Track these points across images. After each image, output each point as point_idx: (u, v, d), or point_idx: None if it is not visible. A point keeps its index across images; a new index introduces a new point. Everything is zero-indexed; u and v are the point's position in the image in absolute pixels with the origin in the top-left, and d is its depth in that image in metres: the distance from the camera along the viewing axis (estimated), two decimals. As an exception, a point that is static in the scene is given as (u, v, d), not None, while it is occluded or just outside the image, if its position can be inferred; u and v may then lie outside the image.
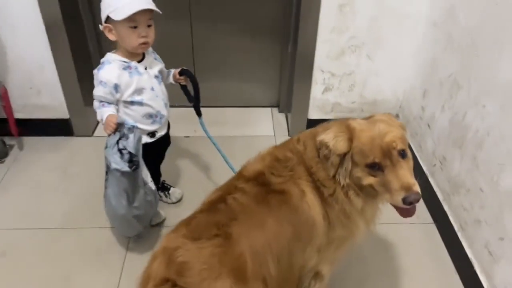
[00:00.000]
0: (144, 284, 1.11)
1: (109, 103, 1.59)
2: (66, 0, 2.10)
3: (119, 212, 1.64)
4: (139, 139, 1.56)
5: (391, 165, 1.18)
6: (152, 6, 1.51)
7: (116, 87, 1.56)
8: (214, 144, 1.88)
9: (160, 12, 1.54)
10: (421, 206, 2.05)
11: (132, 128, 1.54)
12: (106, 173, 1.62)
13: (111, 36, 1.55)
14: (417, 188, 1.17)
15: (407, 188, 1.16)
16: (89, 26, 2.34)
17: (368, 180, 1.22)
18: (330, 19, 2.11)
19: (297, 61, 2.27)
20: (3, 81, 2.19)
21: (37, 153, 2.32)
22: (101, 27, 1.55)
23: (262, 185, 1.28)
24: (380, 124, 1.24)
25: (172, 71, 1.77)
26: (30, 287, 1.67)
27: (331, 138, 1.24)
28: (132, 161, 1.52)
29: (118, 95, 1.59)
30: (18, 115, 2.31)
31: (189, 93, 1.82)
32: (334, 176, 1.26)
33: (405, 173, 1.19)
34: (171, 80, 1.78)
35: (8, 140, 2.35)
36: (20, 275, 1.71)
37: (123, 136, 1.53)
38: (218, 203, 1.24)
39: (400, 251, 1.83)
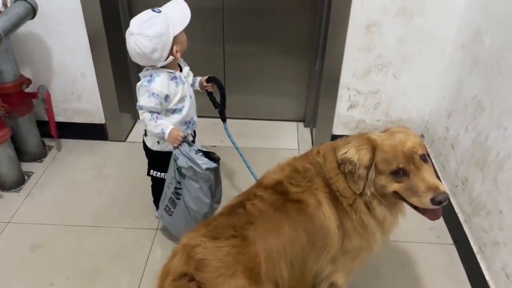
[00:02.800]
0: (163, 278, 1.19)
1: (158, 113, 1.64)
2: (108, 12, 2.24)
3: (202, 211, 1.70)
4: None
5: (415, 169, 1.24)
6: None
7: (167, 97, 1.63)
8: (237, 149, 1.95)
9: None
10: (442, 227, 2.05)
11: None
12: (179, 183, 1.67)
13: (176, 52, 1.61)
14: (443, 187, 1.22)
15: (434, 189, 1.21)
16: (129, 37, 2.48)
17: (393, 186, 1.27)
18: (357, 38, 2.17)
19: (323, 78, 2.33)
20: (47, 85, 2.34)
21: (74, 154, 2.46)
22: (174, 49, 1.59)
23: (280, 193, 1.34)
24: (398, 134, 1.31)
25: (199, 78, 1.84)
26: (61, 277, 1.78)
27: (354, 152, 1.28)
28: (212, 158, 1.64)
29: (165, 104, 1.65)
30: (59, 118, 2.46)
31: (215, 100, 1.89)
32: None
33: (430, 175, 1.24)
34: (197, 87, 1.84)
35: (47, 141, 2.51)
36: (53, 266, 1.82)
37: (189, 144, 1.63)
38: (237, 208, 1.32)
39: (418, 270, 1.84)
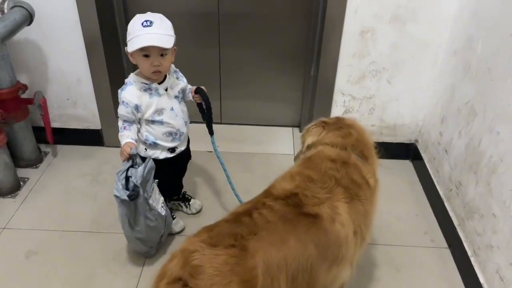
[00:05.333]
0: (159, 279, 1.17)
1: (131, 122, 1.67)
2: (105, 18, 2.26)
3: (124, 232, 1.75)
4: (151, 168, 1.64)
5: None
6: (160, 43, 1.53)
7: (137, 107, 1.64)
8: (222, 164, 1.91)
9: (168, 47, 1.57)
10: (436, 230, 2.07)
11: (146, 159, 1.64)
12: None
13: (132, 60, 1.64)
14: None
15: None
16: (125, 43, 2.44)
17: None
18: (351, 44, 2.20)
19: (318, 84, 2.35)
20: (43, 91, 2.35)
21: (70, 160, 2.46)
22: (125, 49, 1.63)
23: (293, 206, 1.30)
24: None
25: (191, 88, 1.82)
26: (57, 283, 1.77)
27: None
28: (133, 190, 1.59)
29: (139, 115, 1.67)
30: (55, 124, 2.46)
31: (204, 111, 1.84)
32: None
33: None
34: (190, 97, 1.83)
35: (43, 147, 2.51)
36: (48, 273, 1.81)
37: (134, 165, 1.62)
38: (243, 216, 1.27)
39: (413, 274, 1.85)
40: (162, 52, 1.58)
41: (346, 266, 1.37)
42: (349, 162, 1.43)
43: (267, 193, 1.37)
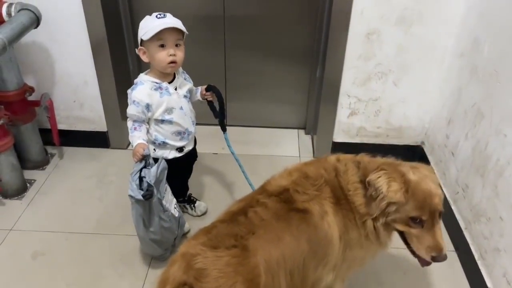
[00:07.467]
0: (161, 286, 1.17)
1: (141, 122, 1.69)
2: (111, 21, 2.27)
3: (139, 233, 1.75)
4: (163, 169, 1.65)
5: (431, 224, 1.29)
6: (177, 26, 1.59)
7: (148, 106, 1.66)
8: (236, 160, 1.94)
9: (186, 32, 1.64)
10: (443, 234, 2.04)
11: (157, 160, 1.65)
12: None
13: (145, 58, 1.66)
14: (446, 251, 1.28)
15: (439, 250, 1.30)
16: (131, 46, 2.50)
17: (404, 228, 1.32)
18: (357, 46, 2.19)
19: (324, 85, 2.34)
20: (50, 93, 2.36)
21: (76, 162, 2.48)
22: (136, 51, 1.67)
23: (284, 201, 1.32)
24: (429, 181, 1.31)
25: (200, 88, 1.86)
26: (63, 284, 1.78)
27: (385, 183, 1.27)
28: (148, 190, 1.60)
29: (149, 114, 1.69)
30: (61, 126, 2.47)
31: (215, 109, 1.87)
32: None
33: (440, 234, 1.30)
34: (198, 97, 1.85)
35: (50, 149, 2.53)
36: (55, 274, 1.82)
37: (147, 165, 1.63)
38: (238, 215, 1.29)
39: (419, 277, 1.84)
40: (177, 41, 1.63)
41: (330, 270, 1.38)
42: (340, 171, 1.39)
43: (262, 189, 1.40)
